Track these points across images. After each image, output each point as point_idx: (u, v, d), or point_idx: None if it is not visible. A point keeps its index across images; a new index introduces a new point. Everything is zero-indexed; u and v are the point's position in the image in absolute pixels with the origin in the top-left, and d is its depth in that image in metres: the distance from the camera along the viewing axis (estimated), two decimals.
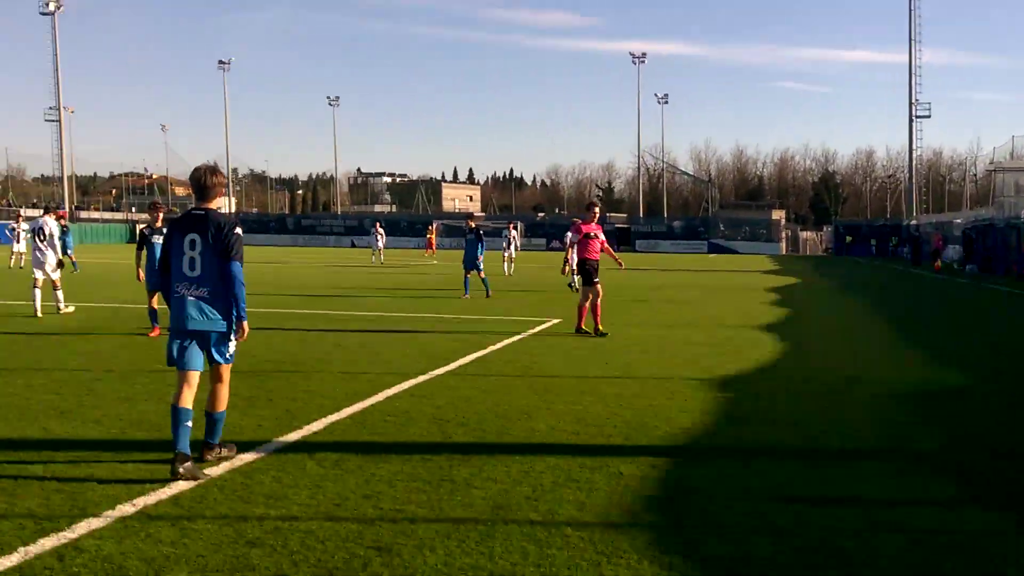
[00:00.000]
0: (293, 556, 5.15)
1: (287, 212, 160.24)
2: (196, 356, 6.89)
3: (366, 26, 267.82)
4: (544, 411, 9.33)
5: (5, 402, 9.24)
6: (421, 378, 11.15)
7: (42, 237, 18.25)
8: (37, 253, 18.44)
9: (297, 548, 5.27)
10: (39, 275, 18.20)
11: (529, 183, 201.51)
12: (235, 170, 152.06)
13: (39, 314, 17.66)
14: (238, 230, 6.91)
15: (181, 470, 6.54)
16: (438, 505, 6.15)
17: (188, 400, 6.79)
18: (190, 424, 6.72)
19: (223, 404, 7.06)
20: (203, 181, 7.02)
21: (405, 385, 10.63)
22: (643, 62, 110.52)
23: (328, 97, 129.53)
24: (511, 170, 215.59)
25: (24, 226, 39.91)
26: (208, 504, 6.03)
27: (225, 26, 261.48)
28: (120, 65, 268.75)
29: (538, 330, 16.86)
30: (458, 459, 7.32)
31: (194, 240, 6.86)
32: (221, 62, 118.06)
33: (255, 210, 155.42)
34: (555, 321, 18.31)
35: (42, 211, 19.64)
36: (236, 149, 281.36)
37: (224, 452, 7.16)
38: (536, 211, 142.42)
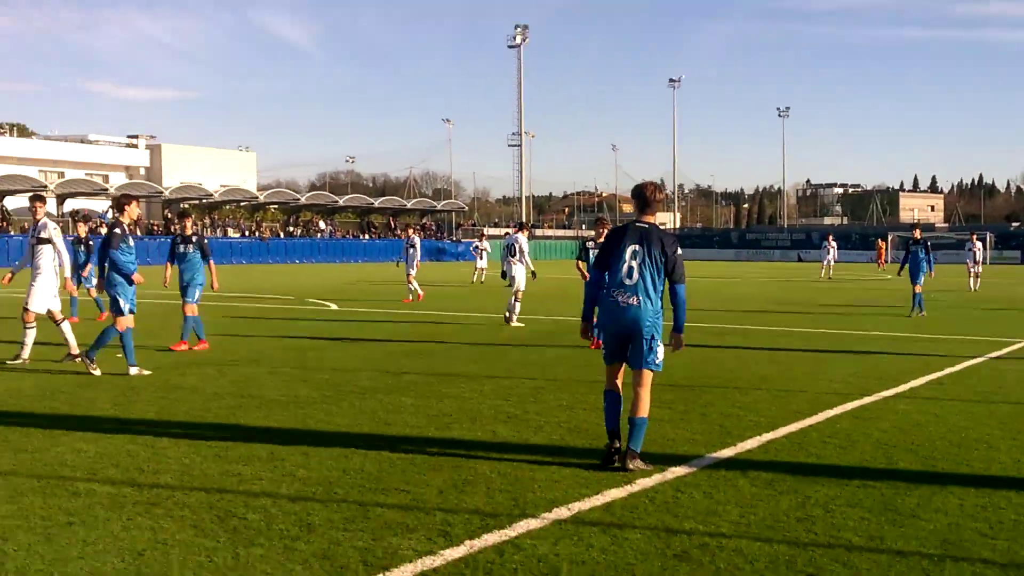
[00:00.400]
0: (720, 573, 5.11)
1: (731, 226, 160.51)
2: (627, 355, 7.39)
3: (815, 32, 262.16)
4: (1008, 442, 8.49)
5: (460, 406, 10.10)
6: (866, 399, 10.62)
7: (513, 252, 20.04)
8: (505, 266, 20.43)
9: (724, 566, 5.22)
10: (521, 284, 19.76)
11: (1002, 190, 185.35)
12: (681, 186, 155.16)
13: (513, 323, 19.33)
14: (680, 251, 7.40)
15: (631, 465, 7.09)
16: (878, 534, 5.80)
17: (617, 386, 7.47)
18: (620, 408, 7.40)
19: (644, 409, 7.28)
20: (647, 195, 7.54)
21: (848, 406, 10.18)
22: None
23: (778, 108, 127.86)
24: (979, 176, 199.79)
25: (485, 244, 43.62)
26: (639, 514, 6.15)
27: (674, 46, 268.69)
28: (576, 90, 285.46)
29: (1002, 352, 15.41)
30: (903, 487, 6.87)
31: (635, 251, 7.33)
32: (671, 80, 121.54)
33: (699, 225, 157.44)
34: (1021, 343, 16.66)
35: (513, 228, 21.68)
36: (682, 164, 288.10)
37: (641, 465, 7.25)
38: (1008, 220, 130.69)
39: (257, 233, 78.77)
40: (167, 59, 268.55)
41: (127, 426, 8.87)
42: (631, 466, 7.17)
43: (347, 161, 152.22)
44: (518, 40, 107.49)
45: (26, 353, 13.18)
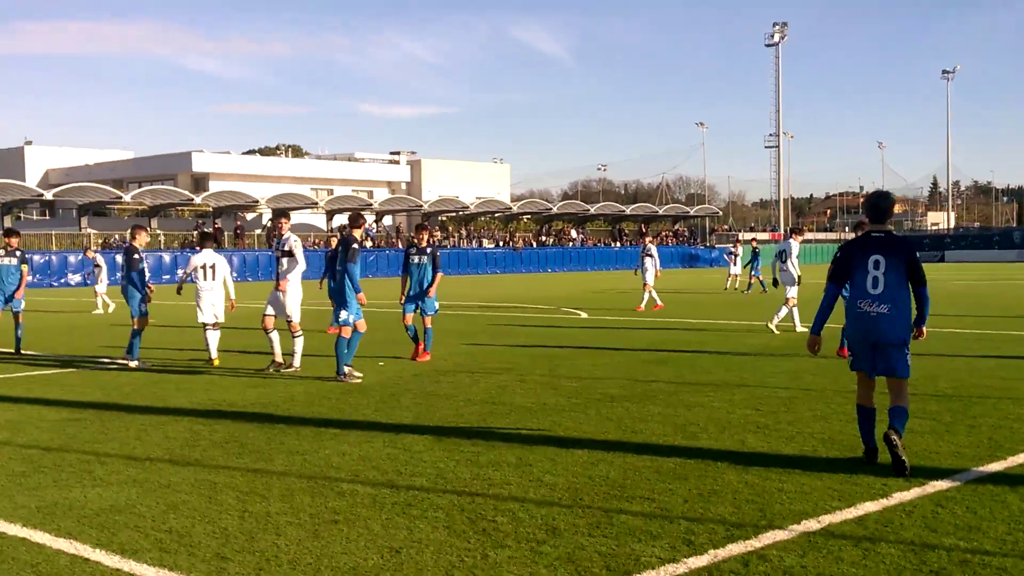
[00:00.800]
0: None
1: (1014, 224, 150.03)
2: (876, 363, 7.53)
3: None
4: None
5: (708, 415, 10.10)
6: None
7: (784, 258, 19.83)
8: (777, 273, 20.24)
9: None
10: (791, 293, 19.48)
11: None
12: (956, 183, 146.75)
13: (776, 331, 19.15)
14: (917, 255, 7.59)
15: (894, 438, 7.22)
16: None
17: (871, 399, 7.70)
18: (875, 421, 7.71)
19: (906, 399, 7.51)
20: (879, 204, 7.80)
21: None
22: None
23: None
24: None
25: (739, 249, 42.94)
26: (893, 528, 6.00)
27: (945, 36, 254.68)
28: (837, 86, 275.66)
29: None
30: None
31: (878, 260, 7.51)
32: (945, 71, 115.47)
33: (976, 224, 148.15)
34: None
35: (787, 233, 21.43)
36: (956, 160, 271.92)
37: (897, 440, 7.27)
38: None
39: (511, 243, 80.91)
40: (428, 77, 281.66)
41: (387, 430, 9.46)
42: (894, 438, 7.25)
43: (599, 169, 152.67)
44: (776, 38, 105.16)
45: (297, 361, 14.27)
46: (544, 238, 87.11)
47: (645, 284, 28.56)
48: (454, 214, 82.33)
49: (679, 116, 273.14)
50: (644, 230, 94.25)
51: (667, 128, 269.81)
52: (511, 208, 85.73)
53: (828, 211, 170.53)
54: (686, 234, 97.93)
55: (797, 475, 7.37)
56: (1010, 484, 7.02)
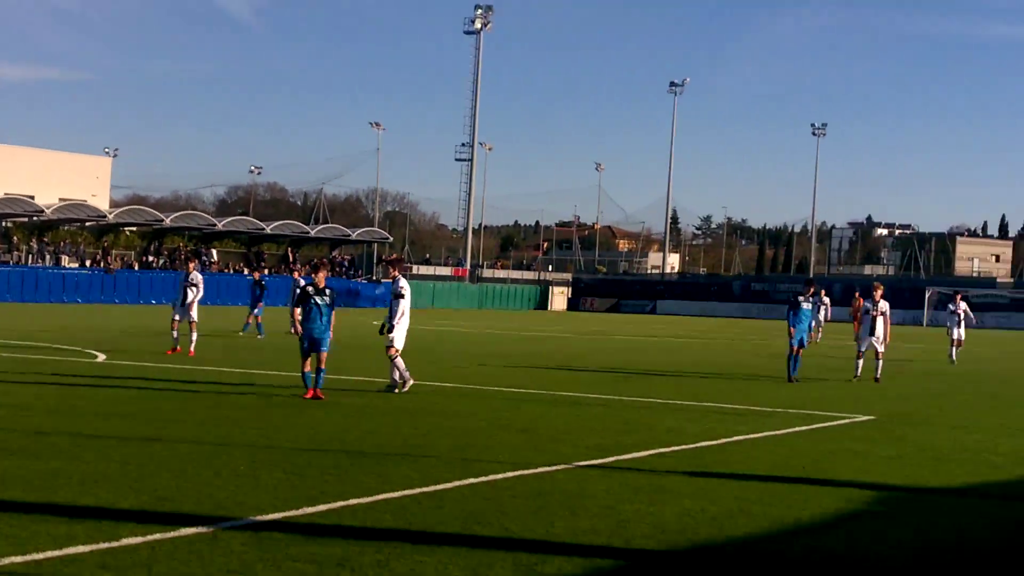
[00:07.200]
0: None
1: (754, 272, 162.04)
2: None
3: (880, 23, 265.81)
4: None
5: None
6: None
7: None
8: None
9: None
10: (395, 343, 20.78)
11: None
12: (674, 219, 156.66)
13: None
14: None
15: None
16: None
17: None
18: None
19: None
20: None
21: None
22: None
23: (812, 125, 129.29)
24: None
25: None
26: None
27: (688, 46, 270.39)
28: (552, 91, 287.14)
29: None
30: None
31: None
32: (673, 84, 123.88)
33: (703, 271, 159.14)
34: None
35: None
36: (690, 190, 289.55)
37: None
38: None
39: (103, 263, 79.15)
40: (52, 26, 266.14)
41: None
42: None
43: (252, 171, 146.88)
44: (478, 24, 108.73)
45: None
46: (152, 258, 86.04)
47: (174, 321, 28.76)
48: (25, 220, 79.83)
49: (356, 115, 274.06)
50: (292, 256, 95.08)
51: (342, 130, 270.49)
52: (106, 216, 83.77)
53: (546, 243, 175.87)
54: (346, 264, 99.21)
55: None
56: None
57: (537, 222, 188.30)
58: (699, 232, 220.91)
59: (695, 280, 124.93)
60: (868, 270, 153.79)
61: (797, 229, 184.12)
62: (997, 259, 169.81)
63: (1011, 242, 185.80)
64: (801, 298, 26.68)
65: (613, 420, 17.42)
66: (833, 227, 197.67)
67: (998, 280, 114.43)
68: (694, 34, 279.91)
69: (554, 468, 12.52)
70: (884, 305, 27.08)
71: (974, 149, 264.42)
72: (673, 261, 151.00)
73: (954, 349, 37.24)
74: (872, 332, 26.76)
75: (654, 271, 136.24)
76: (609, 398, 20.90)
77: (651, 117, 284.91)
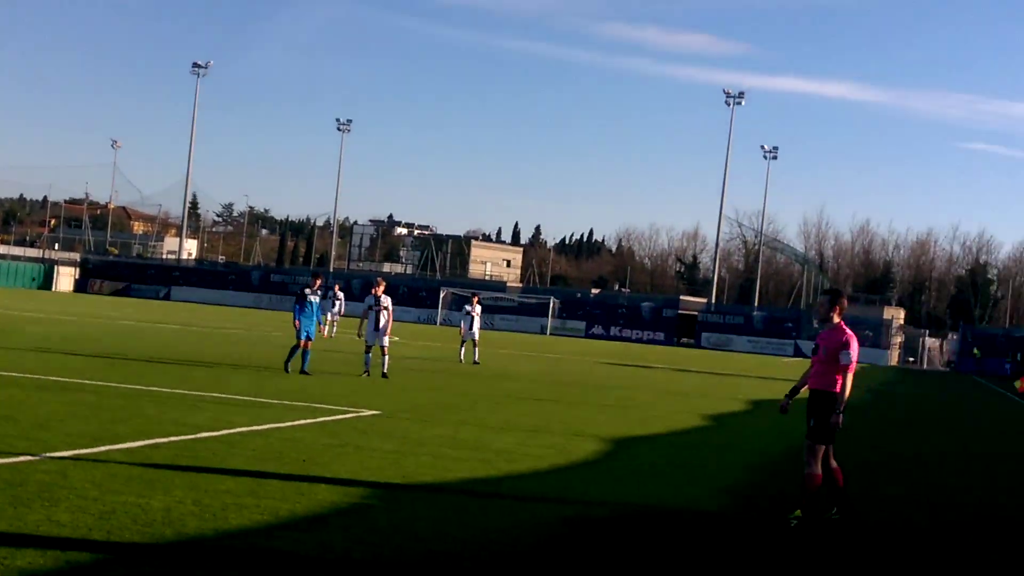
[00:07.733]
0: None
1: (275, 264, 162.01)
2: None
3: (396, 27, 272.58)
4: None
5: None
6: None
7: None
8: None
9: None
10: None
11: (613, 247, 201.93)
12: (193, 204, 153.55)
13: None
14: None
15: None
16: None
17: None
18: None
19: None
20: None
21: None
22: (740, 103, 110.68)
23: (338, 120, 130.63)
24: (589, 232, 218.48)
25: None
26: None
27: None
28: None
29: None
30: None
31: None
32: (196, 65, 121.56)
33: (222, 259, 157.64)
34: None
35: None
36: (214, 176, 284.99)
37: None
38: (597, 284, 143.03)
39: None
40: None
41: None
42: None
43: None
44: None
45: None
46: None
47: None
48: None
49: None
50: None
51: None
52: None
53: (54, 220, 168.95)
54: None
55: None
56: None
57: (45, 197, 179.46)
58: (220, 219, 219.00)
59: (213, 268, 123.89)
60: (388, 268, 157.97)
61: (320, 223, 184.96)
62: (508, 264, 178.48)
63: (522, 248, 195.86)
64: (308, 291, 26.94)
65: (107, 408, 16.88)
66: (355, 223, 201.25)
67: (508, 284, 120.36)
68: (220, 15, 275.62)
69: (36, 457, 11.99)
70: (386, 300, 28.11)
71: (492, 156, 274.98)
72: (191, 247, 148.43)
73: (464, 348, 38.62)
74: (377, 327, 27.57)
75: (170, 256, 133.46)
76: (106, 385, 20.26)
77: (173, 97, 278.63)
